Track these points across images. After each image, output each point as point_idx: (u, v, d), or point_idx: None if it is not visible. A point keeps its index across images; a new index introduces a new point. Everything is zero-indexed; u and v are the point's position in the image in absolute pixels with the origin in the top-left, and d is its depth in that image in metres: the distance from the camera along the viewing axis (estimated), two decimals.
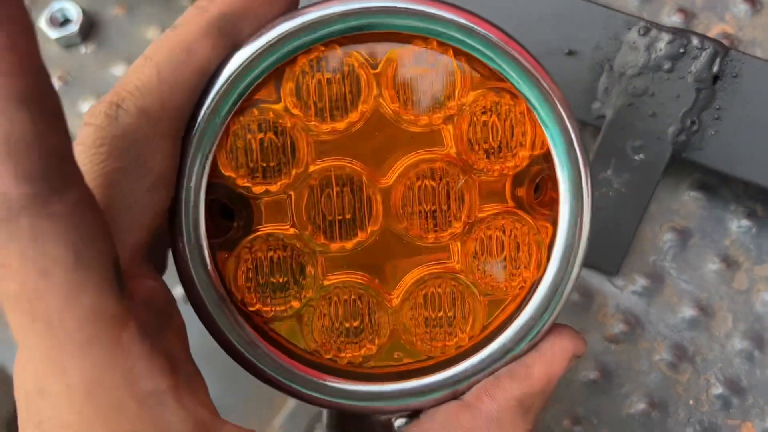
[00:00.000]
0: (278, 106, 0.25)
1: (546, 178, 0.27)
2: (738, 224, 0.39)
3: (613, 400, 0.37)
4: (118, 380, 0.21)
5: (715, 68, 0.35)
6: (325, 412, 0.32)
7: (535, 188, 0.27)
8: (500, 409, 0.26)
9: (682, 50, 0.35)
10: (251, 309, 0.26)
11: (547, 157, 0.26)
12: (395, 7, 0.24)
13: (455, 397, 0.27)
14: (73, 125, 0.43)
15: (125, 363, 0.21)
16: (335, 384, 0.26)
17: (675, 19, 0.41)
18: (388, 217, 0.26)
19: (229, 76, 0.24)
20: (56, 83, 0.44)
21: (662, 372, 0.37)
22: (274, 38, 0.24)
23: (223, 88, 0.24)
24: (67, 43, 0.44)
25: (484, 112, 0.26)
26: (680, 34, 0.35)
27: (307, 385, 0.26)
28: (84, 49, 0.44)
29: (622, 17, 0.36)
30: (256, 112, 0.25)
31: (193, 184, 0.25)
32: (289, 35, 0.24)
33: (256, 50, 0.24)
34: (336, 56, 0.25)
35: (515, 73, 0.25)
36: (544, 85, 0.25)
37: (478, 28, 0.25)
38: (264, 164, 0.26)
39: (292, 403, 0.51)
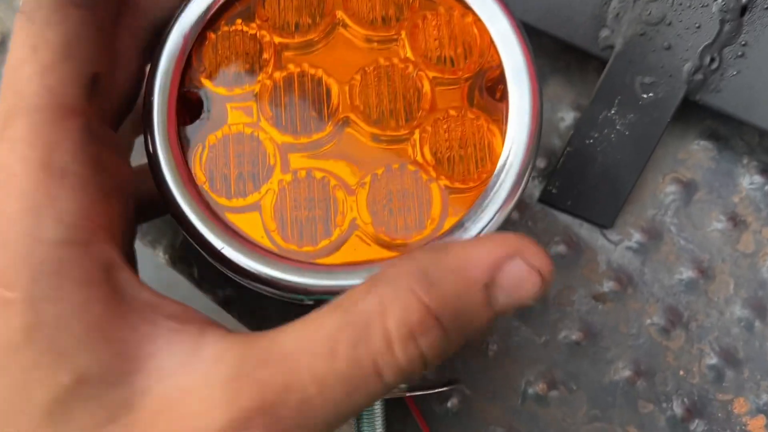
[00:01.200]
0: (248, 24, 0.28)
1: (500, 83, 0.27)
2: (750, 180, 0.34)
3: (596, 365, 0.33)
4: None
5: None
6: None
7: (493, 94, 0.28)
8: (398, 274, 0.22)
9: None
10: (215, 197, 0.26)
11: (499, 64, 0.27)
12: None
13: None
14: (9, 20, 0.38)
15: None
16: (292, 274, 0.25)
17: None
18: (348, 109, 0.27)
19: None
20: None
21: (652, 337, 0.33)
22: None
23: None
24: None
25: (436, 25, 0.28)
26: None
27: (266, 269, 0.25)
28: None
29: None
30: (225, 26, 0.28)
31: (161, 79, 0.27)
32: None
33: None
34: None
35: None
36: None
37: None
38: (232, 69, 0.28)
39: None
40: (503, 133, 0.27)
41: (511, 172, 0.26)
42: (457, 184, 0.27)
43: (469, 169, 0.27)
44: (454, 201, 0.27)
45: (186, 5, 0.28)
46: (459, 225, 0.26)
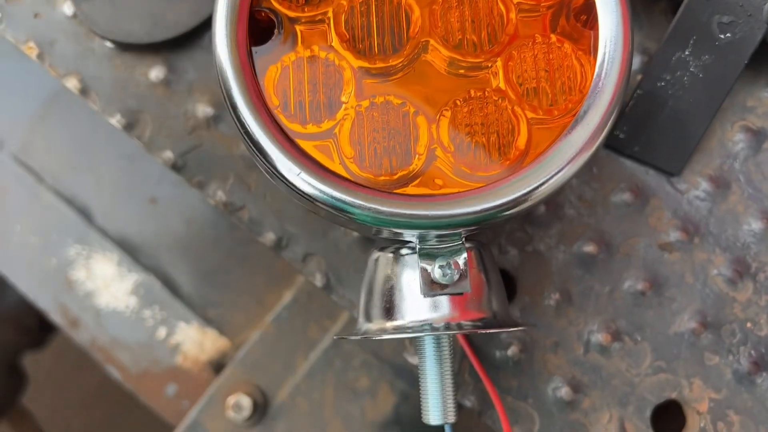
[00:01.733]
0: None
1: (587, 11, 0.26)
2: None
3: (661, 316, 0.32)
4: None
5: None
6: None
7: (582, 22, 0.26)
8: None
9: None
10: (288, 124, 0.25)
11: None
12: None
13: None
14: None
15: None
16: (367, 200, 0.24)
17: None
18: (428, 33, 0.26)
19: None
20: None
21: (719, 288, 0.32)
22: None
23: None
24: None
25: None
26: None
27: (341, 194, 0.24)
28: None
29: None
30: None
31: None
32: None
33: None
34: None
35: None
36: None
37: None
38: None
39: (285, 300, 0.46)
40: (591, 62, 0.25)
41: (600, 105, 0.25)
42: (542, 114, 0.25)
43: (555, 98, 0.25)
44: (539, 132, 0.25)
45: None
46: (542, 158, 0.24)
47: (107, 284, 0.49)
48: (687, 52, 0.31)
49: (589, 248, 0.33)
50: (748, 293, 0.32)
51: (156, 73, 0.34)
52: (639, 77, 0.33)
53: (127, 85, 0.35)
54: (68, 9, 0.35)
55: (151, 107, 0.34)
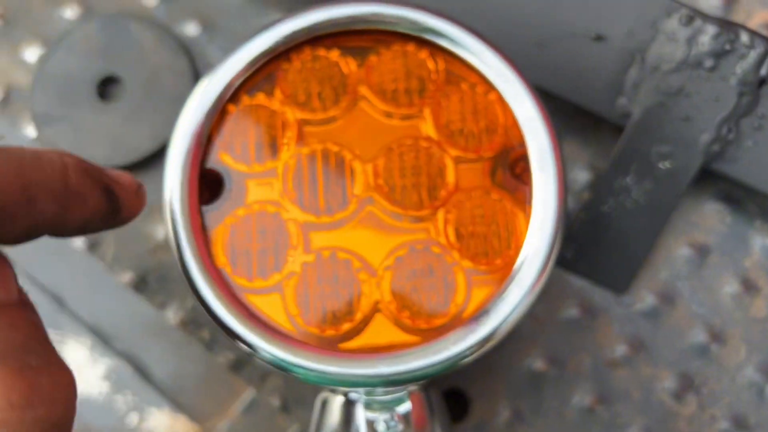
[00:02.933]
0: (270, 98, 0.28)
1: (522, 161, 0.27)
2: (762, 243, 0.35)
3: (609, 431, 0.33)
4: None
5: (764, 71, 0.30)
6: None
7: (516, 174, 0.27)
8: None
9: (728, 47, 0.30)
10: (236, 280, 0.26)
11: (522, 143, 0.27)
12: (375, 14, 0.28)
13: None
14: (14, 74, 0.37)
15: None
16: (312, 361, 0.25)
17: (714, 3, 0.36)
18: (371, 189, 0.27)
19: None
20: None
21: (665, 403, 0.34)
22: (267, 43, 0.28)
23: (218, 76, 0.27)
24: None
25: (459, 102, 0.28)
26: (728, 27, 0.30)
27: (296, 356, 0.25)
28: None
29: (663, 1, 0.31)
30: (246, 98, 0.28)
31: (184, 154, 0.27)
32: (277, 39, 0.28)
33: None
34: (321, 55, 0.28)
35: (485, 67, 0.27)
36: (511, 75, 0.27)
37: (447, 27, 0.28)
38: (253, 147, 0.27)
39: (253, 390, 0.47)
40: (528, 216, 0.27)
41: (537, 258, 0.26)
42: (481, 267, 0.26)
43: (493, 251, 0.26)
44: (478, 283, 0.26)
45: (207, 78, 0.27)
46: (483, 311, 0.26)
47: (80, 370, 0.50)
48: (629, 179, 0.33)
49: (539, 365, 0.34)
50: (693, 407, 0.34)
51: None
52: (586, 195, 0.34)
53: None
54: (32, 132, 0.36)
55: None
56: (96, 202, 0.22)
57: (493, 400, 0.34)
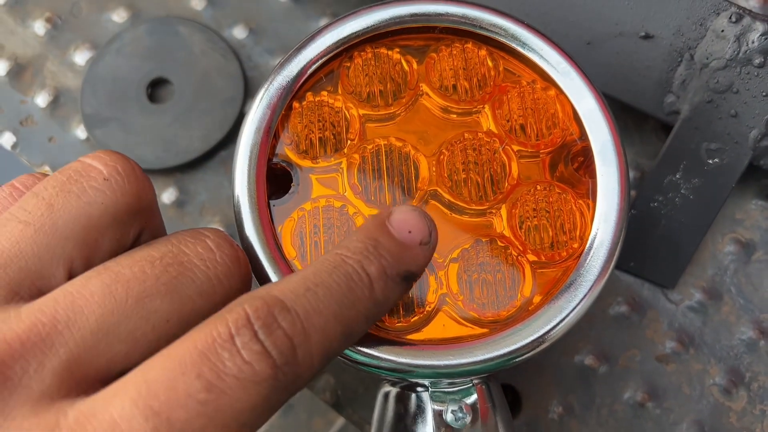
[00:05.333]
0: (333, 95, 0.28)
1: (585, 155, 0.28)
2: None
3: (661, 427, 0.34)
4: None
5: None
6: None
7: (577, 165, 0.28)
8: None
9: None
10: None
11: (582, 136, 0.28)
12: (437, 13, 0.29)
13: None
14: (64, 77, 0.37)
15: None
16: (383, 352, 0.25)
17: (753, 4, 0.36)
18: (433, 183, 0.27)
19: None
20: (43, 27, 0.38)
21: (715, 398, 0.34)
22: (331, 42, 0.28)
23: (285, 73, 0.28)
24: None
25: (519, 98, 0.28)
26: None
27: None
28: None
29: (711, 0, 0.32)
30: (310, 95, 0.28)
31: (252, 149, 0.27)
32: (342, 39, 0.28)
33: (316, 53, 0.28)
34: (383, 53, 0.29)
35: (545, 64, 0.28)
36: (572, 71, 0.28)
37: (508, 25, 0.29)
38: (318, 143, 0.28)
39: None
40: (590, 209, 0.27)
41: (602, 249, 0.26)
42: (545, 259, 0.27)
43: (558, 243, 0.27)
44: (542, 276, 0.27)
45: (274, 75, 0.28)
46: (551, 302, 0.26)
47: None
48: (678, 176, 0.33)
49: (590, 361, 0.34)
50: (743, 402, 0.34)
51: (168, 195, 0.36)
52: (633, 193, 0.35)
53: None
54: (81, 133, 0.36)
55: None
56: (398, 296, 0.22)
57: (545, 397, 0.34)
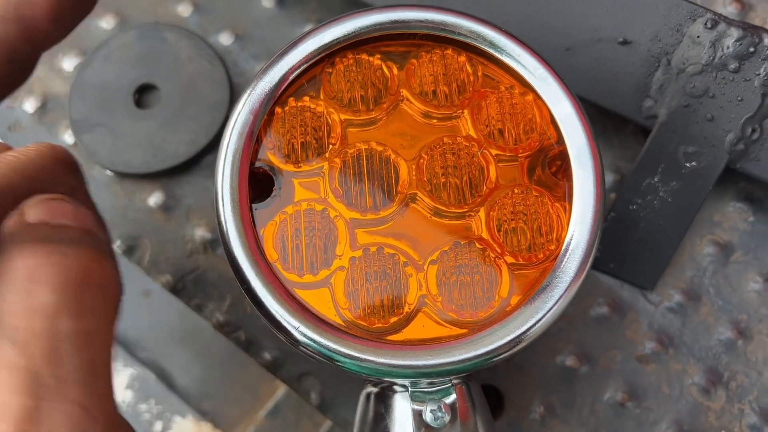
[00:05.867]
0: (315, 100, 0.29)
1: (562, 158, 0.28)
2: None
3: (641, 427, 0.34)
4: None
5: None
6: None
7: (555, 168, 0.28)
8: None
9: (752, 49, 0.32)
10: (286, 275, 0.27)
11: (560, 140, 0.28)
12: (417, 20, 0.29)
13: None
14: (52, 83, 0.38)
15: None
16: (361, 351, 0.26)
17: (731, 10, 0.37)
18: (415, 186, 0.28)
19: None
20: None
21: (694, 398, 0.34)
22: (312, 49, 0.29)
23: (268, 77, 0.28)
24: None
25: (497, 103, 0.29)
26: (751, 30, 0.32)
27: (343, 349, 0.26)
28: None
29: (687, 6, 0.32)
30: (293, 101, 0.28)
31: (234, 153, 0.27)
32: (323, 46, 0.29)
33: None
34: (364, 59, 0.29)
35: (523, 69, 0.29)
36: (549, 76, 0.28)
37: (487, 31, 0.29)
38: (300, 147, 0.28)
39: (279, 393, 0.47)
40: (567, 212, 0.27)
41: (578, 251, 0.27)
42: (522, 261, 0.27)
43: (534, 245, 0.27)
44: (519, 277, 0.27)
45: (256, 81, 0.28)
46: (528, 303, 0.26)
47: None
48: (656, 179, 0.34)
49: (571, 361, 0.35)
50: (722, 402, 0.34)
51: (155, 199, 0.36)
52: (612, 196, 0.35)
53: (126, 211, 0.36)
54: (69, 138, 0.37)
55: (150, 232, 0.36)
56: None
57: (527, 397, 0.34)
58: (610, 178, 0.36)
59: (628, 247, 0.34)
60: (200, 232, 0.36)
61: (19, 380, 0.18)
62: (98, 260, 0.20)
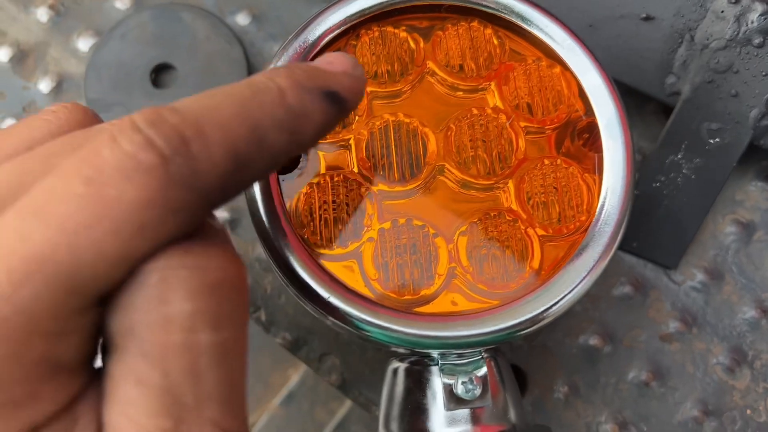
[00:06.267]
0: None
1: (590, 131, 0.28)
2: None
3: (665, 405, 0.34)
4: None
5: None
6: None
7: (583, 141, 0.28)
8: None
9: None
10: (315, 247, 0.26)
11: (588, 111, 0.28)
12: None
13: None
14: (67, 63, 0.37)
15: None
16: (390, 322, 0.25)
17: None
18: (441, 158, 0.27)
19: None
20: (46, 13, 0.38)
21: (718, 377, 0.34)
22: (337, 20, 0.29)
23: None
24: None
25: (525, 75, 0.29)
26: None
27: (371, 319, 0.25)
28: None
29: None
30: None
31: None
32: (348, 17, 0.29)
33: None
34: (389, 31, 0.29)
35: (551, 41, 0.29)
36: (577, 47, 0.28)
37: (513, 3, 0.29)
38: None
39: (292, 382, 0.47)
40: (597, 183, 0.27)
41: (609, 223, 0.26)
42: (552, 233, 0.27)
43: (563, 217, 0.27)
44: (550, 249, 0.27)
45: (281, 52, 0.28)
46: (561, 273, 0.26)
47: None
48: (679, 156, 0.33)
49: (595, 341, 0.34)
50: (746, 381, 0.34)
51: None
52: (636, 176, 0.35)
53: None
54: None
55: None
56: (321, 112, 0.20)
57: (551, 377, 0.34)
58: None
59: (651, 226, 0.34)
60: (220, 213, 0.35)
61: (156, 400, 0.16)
62: (230, 258, 0.18)
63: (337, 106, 0.21)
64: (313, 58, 0.28)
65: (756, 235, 0.35)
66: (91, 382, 0.17)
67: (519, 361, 0.34)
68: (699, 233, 0.35)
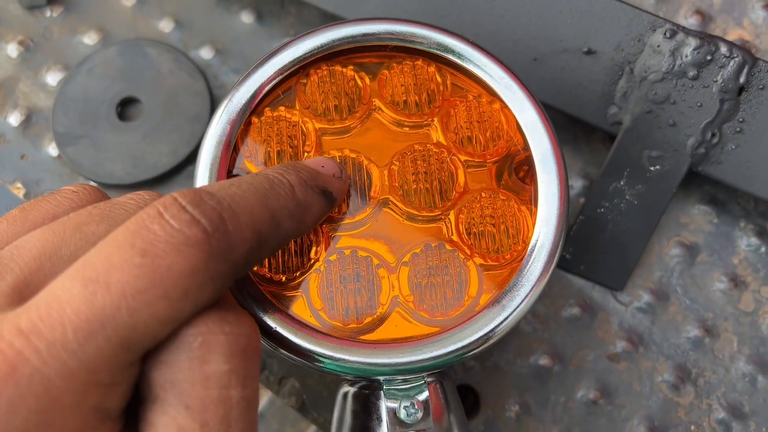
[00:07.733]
0: (291, 110, 0.30)
1: (528, 163, 0.29)
2: (747, 242, 0.37)
3: (613, 423, 0.35)
4: None
5: (742, 79, 0.33)
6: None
7: (523, 174, 0.30)
8: None
9: (709, 57, 0.33)
10: (261, 276, 0.28)
11: (526, 146, 0.29)
12: (388, 32, 0.31)
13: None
14: (36, 97, 0.39)
15: None
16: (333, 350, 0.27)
17: (692, 21, 0.39)
18: (387, 191, 0.29)
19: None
20: (16, 49, 0.39)
21: (664, 394, 0.35)
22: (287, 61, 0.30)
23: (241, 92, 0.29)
24: (31, 5, 0.40)
25: (465, 111, 0.30)
26: (708, 39, 0.33)
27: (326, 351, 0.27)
28: (49, 12, 0.40)
29: (648, 17, 0.34)
30: (268, 111, 0.30)
31: (212, 161, 0.28)
32: (297, 59, 0.30)
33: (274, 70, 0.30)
34: (338, 70, 0.31)
35: (489, 78, 0.30)
36: (514, 85, 0.30)
37: (455, 43, 0.30)
38: (276, 155, 0.29)
39: (261, 403, 0.48)
40: (533, 214, 0.29)
41: (543, 252, 0.28)
42: (491, 262, 0.28)
43: (501, 247, 0.28)
44: (488, 278, 0.28)
45: (233, 92, 0.29)
46: (496, 301, 0.27)
47: None
48: (622, 183, 0.35)
49: (545, 361, 0.36)
50: (691, 397, 0.35)
51: None
52: (582, 201, 0.37)
53: None
54: (53, 151, 0.38)
55: None
56: (319, 205, 0.25)
57: (502, 396, 0.35)
58: (579, 183, 0.38)
59: (597, 250, 0.36)
60: None
61: None
62: (254, 326, 0.21)
63: (330, 202, 0.26)
64: (262, 99, 0.29)
65: (699, 257, 0.37)
66: (124, 429, 0.20)
67: (472, 382, 0.35)
68: (645, 255, 0.37)
